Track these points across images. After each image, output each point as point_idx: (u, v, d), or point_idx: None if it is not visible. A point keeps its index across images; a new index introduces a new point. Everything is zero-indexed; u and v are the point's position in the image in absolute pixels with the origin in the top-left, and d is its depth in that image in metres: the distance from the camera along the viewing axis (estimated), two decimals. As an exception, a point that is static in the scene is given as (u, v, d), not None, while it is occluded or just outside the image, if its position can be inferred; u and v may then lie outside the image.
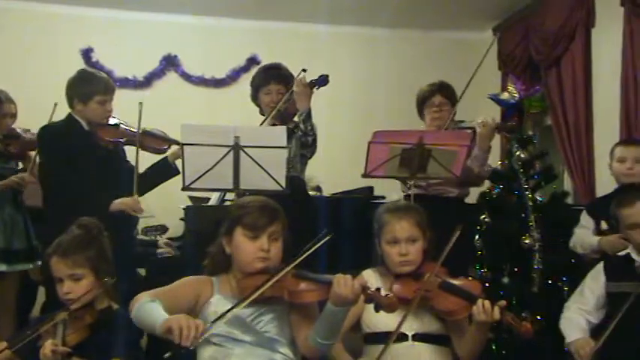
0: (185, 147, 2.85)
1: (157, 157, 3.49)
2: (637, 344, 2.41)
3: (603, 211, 3.20)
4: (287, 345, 2.13)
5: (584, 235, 3.17)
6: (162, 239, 4.30)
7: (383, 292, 2.04)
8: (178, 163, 3.19)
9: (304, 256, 2.11)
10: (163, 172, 3.44)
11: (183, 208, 4.24)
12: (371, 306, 2.04)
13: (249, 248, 2.14)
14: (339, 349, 2.35)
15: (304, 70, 3.25)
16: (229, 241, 2.19)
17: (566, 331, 2.62)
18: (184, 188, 2.91)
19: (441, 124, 3.56)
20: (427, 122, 3.62)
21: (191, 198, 4.43)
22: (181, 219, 4.37)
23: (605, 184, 3.80)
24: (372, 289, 2.03)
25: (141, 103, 3.22)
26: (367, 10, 5.52)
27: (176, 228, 4.55)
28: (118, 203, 3.10)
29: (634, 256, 2.56)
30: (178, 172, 3.18)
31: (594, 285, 2.62)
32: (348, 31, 5.82)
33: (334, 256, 3.39)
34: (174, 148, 3.44)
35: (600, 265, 2.67)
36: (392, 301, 2.02)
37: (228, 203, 4.03)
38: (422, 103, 3.64)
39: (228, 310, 2.03)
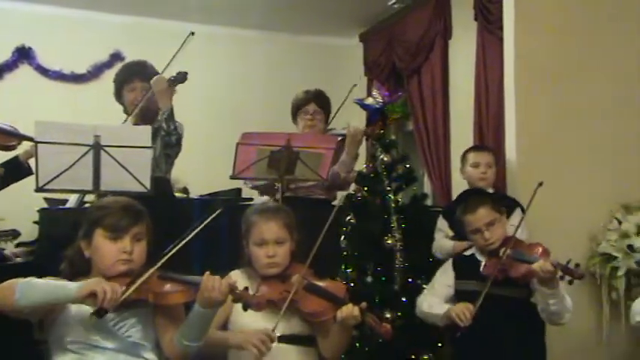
0: (39, 145, 2.69)
1: (7, 156, 3.25)
2: (482, 341, 2.52)
3: (453, 215, 3.42)
4: (151, 349, 2.07)
5: (442, 241, 3.33)
6: (12, 244, 4.02)
7: (251, 292, 2.06)
8: (32, 162, 2.99)
9: (176, 249, 2.06)
10: (15, 171, 3.23)
11: (38, 211, 3.99)
12: (240, 308, 2.04)
13: (111, 250, 2.06)
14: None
15: (192, 34, 3.21)
16: (88, 244, 2.10)
17: (433, 311, 2.68)
18: (38, 189, 2.75)
19: (314, 132, 3.60)
20: (300, 129, 3.65)
21: (47, 200, 4.20)
22: (35, 222, 4.10)
23: (460, 186, 4.03)
24: (240, 289, 2.04)
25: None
26: (238, 11, 5.50)
27: (29, 232, 4.26)
28: None
29: (478, 256, 2.74)
30: (32, 172, 3.00)
31: (444, 279, 2.76)
32: (219, 31, 5.75)
33: (208, 259, 3.33)
34: (26, 145, 3.22)
35: (449, 262, 2.82)
36: (260, 299, 2.04)
37: (88, 205, 3.85)
38: (296, 109, 3.66)
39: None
